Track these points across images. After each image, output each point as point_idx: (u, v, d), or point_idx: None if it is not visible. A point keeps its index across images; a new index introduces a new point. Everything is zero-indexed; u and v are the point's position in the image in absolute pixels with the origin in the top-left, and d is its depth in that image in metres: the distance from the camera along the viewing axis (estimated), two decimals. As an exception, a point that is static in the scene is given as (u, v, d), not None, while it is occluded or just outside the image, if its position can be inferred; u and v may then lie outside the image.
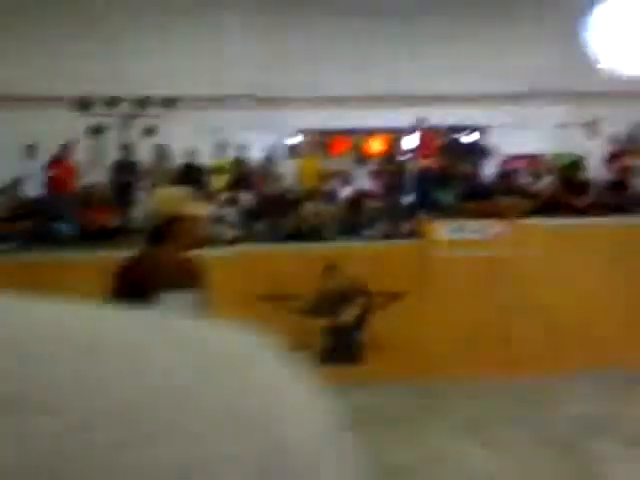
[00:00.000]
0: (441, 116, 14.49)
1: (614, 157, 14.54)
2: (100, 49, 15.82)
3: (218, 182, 13.83)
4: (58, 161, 13.82)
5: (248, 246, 12.27)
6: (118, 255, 11.84)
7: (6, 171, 13.92)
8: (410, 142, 15.18)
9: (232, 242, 12.28)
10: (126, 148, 14.24)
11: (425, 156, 13.97)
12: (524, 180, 13.92)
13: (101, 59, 15.66)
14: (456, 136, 14.40)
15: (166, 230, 3.79)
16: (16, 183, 13.85)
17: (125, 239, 13.08)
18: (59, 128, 14.29)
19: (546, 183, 13.80)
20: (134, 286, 3.61)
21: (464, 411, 8.94)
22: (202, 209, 4.07)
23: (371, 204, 13.43)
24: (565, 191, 13.30)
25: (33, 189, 13.64)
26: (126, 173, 13.71)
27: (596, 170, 14.31)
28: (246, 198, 13.80)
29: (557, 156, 15.13)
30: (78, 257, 11.75)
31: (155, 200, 3.91)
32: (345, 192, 13.94)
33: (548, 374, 10.23)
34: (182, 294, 3.76)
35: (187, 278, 3.88)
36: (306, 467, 0.56)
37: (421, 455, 7.38)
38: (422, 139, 14.28)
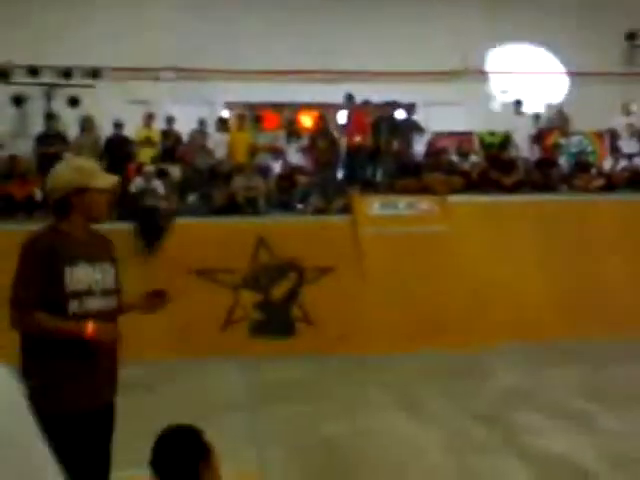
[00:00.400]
0: (373, 92, 14.49)
1: (541, 135, 14.85)
2: (23, 18, 15.27)
3: (146, 154, 13.55)
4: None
5: (179, 219, 12.09)
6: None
7: None
8: (342, 118, 15.17)
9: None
10: (50, 118, 13.78)
11: (356, 133, 13.95)
12: (453, 158, 14.08)
13: (23, 28, 15.13)
14: (387, 113, 14.41)
15: (73, 202, 3.64)
16: None
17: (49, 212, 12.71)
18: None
19: (475, 161, 14.00)
20: (43, 259, 3.48)
21: (394, 384, 9.02)
22: (109, 181, 3.90)
23: (303, 179, 13.38)
24: (493, 169, 13.50)
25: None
26: (51, 144, 13.28)
27: (523, 148, 14.58)
28: (175, 171, 13.56)
29: (485, 134, 15.35)
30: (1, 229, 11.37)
31: (61, 171, 3.72)
32: (277, 167, 13.84)
33: (478, 347, 10.42)
34: (91, 267, 3.65)
35: (96, 251, 3.76)
36: None
37: (353, 427, 7.41)
38: (353, 115, 14.26)
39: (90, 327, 3.47)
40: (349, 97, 14.37)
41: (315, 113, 15.01)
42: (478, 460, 6.47)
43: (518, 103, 14.69)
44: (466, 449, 6.77)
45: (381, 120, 14.20)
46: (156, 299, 3.91)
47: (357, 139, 14.04)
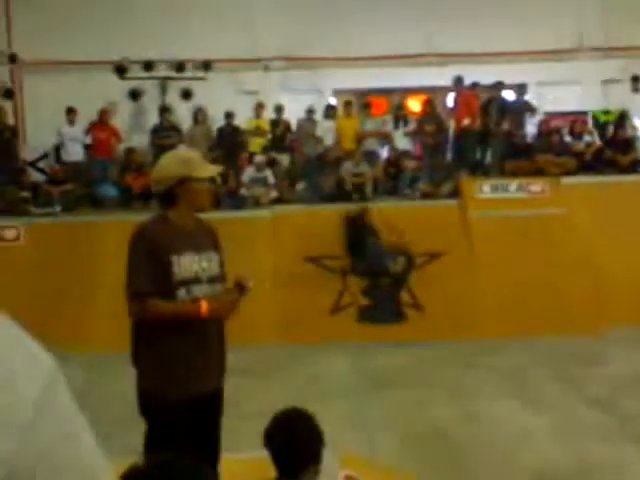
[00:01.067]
0: (482, 73, 14.23)
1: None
2: (136, 16, 15.78)
3: (256, 144, 13.82)
4: (98, 125, 13.90)
5: (290, 207, 12.30)
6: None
7: (48, 136, 14.08)
8: (450, 101, 14.98)
9: (272, 203, 12.31)
10: (165, 111, 14.26)
11: (465, 115, 13.74)
12: (566, 138, 13.67)
13: (137, 25, 15.64)
14: (497, 94, 14.13)
15: (177, 193, 3.76)
16: (58, 148, 14.00)
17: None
18: (98, 92, 14.38)
19: (589, 141, 13.55)
20: (151, 248, 3.61)
21: (505, 369, 8.90)
22: (212, 171, 4.02)
23: (411, 164, 13.33)
24: (608, 148, 13.05)
25: (74, 153, 13.75)
26: (166, 136, 13.73)
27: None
28: (284, 159, 13.78)
29: (600, 113, 14.83)
30: (119, 220, 11.86)
31: (165, 164, 3.85)
32: (384, 152, 13.84)
33: (593, 333, 10.14)
34: (197, 255, 3.77)
35: (202, 240, 3.87)
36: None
37: (463, 412, 7.38)
38: (461, 98, 14.03)
39: (204, 305, 3.61)
40: (458, 80, 14.16)
41: (423, 97, 14.87)
42: (590, 447, 6.33)
43: (635, 79, 14.05)
44: (579, 436, 6.64)
45: (490, 101, 13.94)
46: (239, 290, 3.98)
47: (466, 122, 13.83)
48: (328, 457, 4.62)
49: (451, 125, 14.03)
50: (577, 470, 5.92)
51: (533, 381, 8.43)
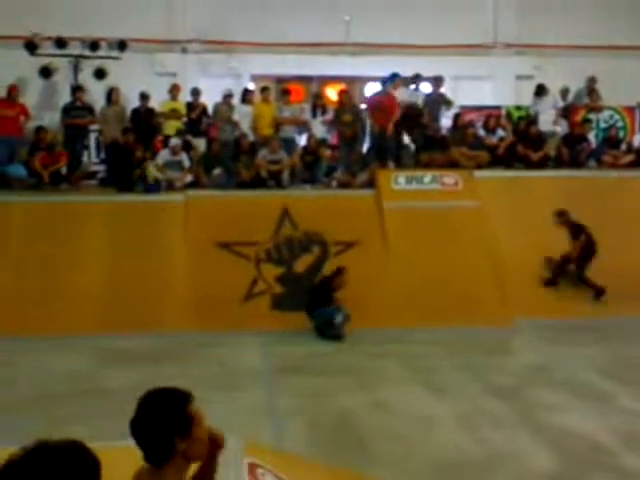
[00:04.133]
0: (399, 65, 14.28)
1: (570, 110, 14.59)
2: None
3: (171, 127, 13.56)
4: (5, 102, 13.32)
5: (203, 192, 12.12)
6: (68, 200, 11.58)
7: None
8: (367, 91, 15.01)
9: (186, 187, 12.11)
10: (77, 90, 13.80)
11: (382, 121, 13.53)
12: (480, 132, 13.91)
13: (50, 1, 15.15)
14: (414, 86, 14.23)
15: None
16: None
17: (75, 184, 12.82)
18: (7, 69, 13.84)
19: (502, 135, 13.81)
20: None
21: (414, 358, 9.01)
22: None
23: (328, 153, 13.32)
24: (521, 144, 13.33)
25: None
26: (78, 116, 13.32)
27: (553, 123, 14.33)
28: (200, 144, 13.57)
29: (513, 108, 15.16)
30: (28, 201, 11.49)
31: None
32: (302, 140, 13.77)
33: (501, 323, 10.36)
34: None
35: None
36: None
37: (369, 400, 7.43)
38: (379, 103, 13.79)
39: None
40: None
41: (342, 86, 14.87)
42: (493, 435, 6.46)
43: (540, 88, 14.29)
44: (482, 424, 6.77)
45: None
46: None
47: (382, 114, 13.82)
48: (232, 445, 4.56)
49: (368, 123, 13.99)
50: (479, 458, 6.04)
51: (439, 370, 8.55)
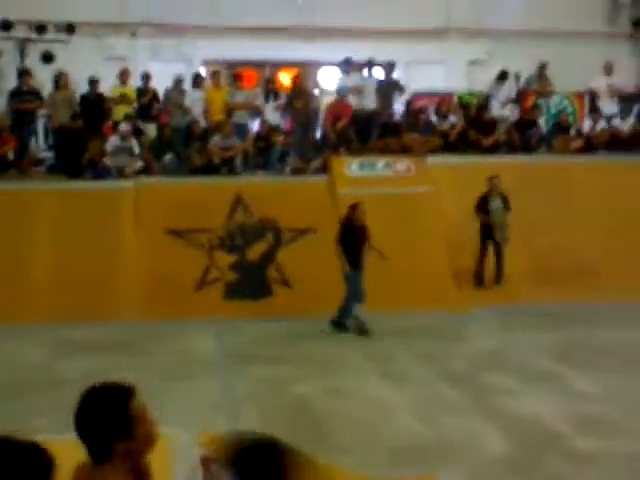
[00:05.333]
0: (352, 50, 14.25)
1: (521, 96, 14.72)
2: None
3: (121, 112, 13.32)
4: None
5: (154, 179, 11.96)
6: (17, 187, 11.32)
7: None
8: (320, 77, 14.96)
9: (137, 174, 11.93)
10: (24, 74, 13.48)
11: (334, 123, 13.44)
12: (433, 118, 13.96)
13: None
14: (367, 72, 14.21)
15: None
16: None
17: (23, 170, 12.53)
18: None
19: (454, 121, 13.88)
20: None
21: (369, 345, 9.05)
22: None
23: (281, 139, 13.23)
24: (473, 130, 13.42)
25: None
26: (25, 100, 13.01)
27: (505, 109, 14.44)
28: (151, 129, 13.37)
29: (465, 94, 15.23)
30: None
31: None
32: (255, 126, 13.66)
33: (456, 309, 10.45)
34: None
35: None
36: None
37: (326, 387, 7.43)
38: (332, 107, 13.68)
39: None
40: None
41: (293, 71, 14.78)
42: (447, 421, 6.52)
43: (502, 74, 14.40)
44: (437, 410, 6.83)
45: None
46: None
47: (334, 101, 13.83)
48: (184, 438, 4.50)
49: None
50: (434, 443, 6.08)
51: (394, 357, 8.59)
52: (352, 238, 9.67)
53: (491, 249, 11.35)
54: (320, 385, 7.53)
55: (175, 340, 9.17)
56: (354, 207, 9.87)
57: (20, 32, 14.27)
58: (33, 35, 14.31)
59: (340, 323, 9.68)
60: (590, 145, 13.56)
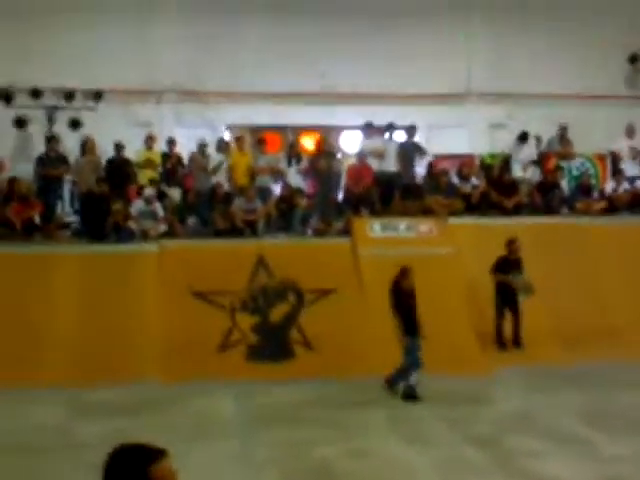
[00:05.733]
0: (374, 114, 14.46)
1: (543, 158, 14.78)
2: (25, 41, 15.35)
3: (146, 176, 13.53)
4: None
5: (177, 241, 12.06)
6: (42, 250, 11.47)
7: None
8: (342, 140, 15.14)
9: (161, 237, 12.04)
10: (52, 141, 13.79)
11: (356, 186, 13.58)
12: (454, 180, 14.01)
13: (26, 51, 15.20)
14: (388, 135, 14.37)
15: None
16: None
17: (49, 234, 12.69)
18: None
19: (476, 183, 13.93)
20: None
21: (391, 406, 8.92)
22: None
23: (303, 201, 13.34)
24: (495, 191, 13.43)
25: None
26: (52, 166, 13.28)
27: (526, 170, 14.48)
28: (175, 193, 13.55)
29: (486, 156, 15.32)
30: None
31: None
32: (277, 189, 13.80)
33: (481, 372, 10.30)
34: None
35: None
36: None
37: (348, 450, 7.30)
38: (353, 170, 13.84)
39: None
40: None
41: (316, 135, 14.98)
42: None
43: (524, 135, 14.51)
44: (462, 473, 6.68)
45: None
46: None
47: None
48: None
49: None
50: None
51: (419, 419, 8.45)
52: (403, 303, 9.51)
53: (508, 312, 11.25)
54: (343, 448, 7.40)
55: (196, 402, 9.09)
56: (404, 272, 9.60)
57: (49, 100, 14.65)
58: (61, 102, 14.68)
59: (393, 384, 9.52)
60: (612, 206, 13.53)
